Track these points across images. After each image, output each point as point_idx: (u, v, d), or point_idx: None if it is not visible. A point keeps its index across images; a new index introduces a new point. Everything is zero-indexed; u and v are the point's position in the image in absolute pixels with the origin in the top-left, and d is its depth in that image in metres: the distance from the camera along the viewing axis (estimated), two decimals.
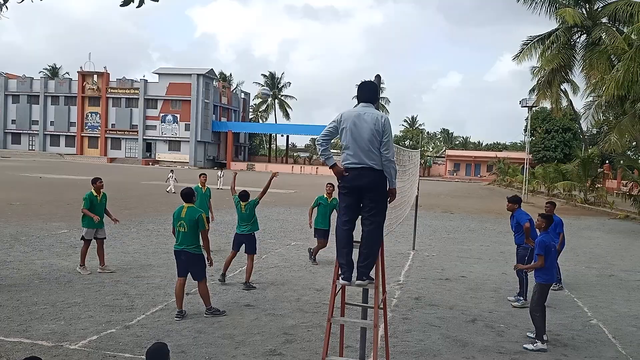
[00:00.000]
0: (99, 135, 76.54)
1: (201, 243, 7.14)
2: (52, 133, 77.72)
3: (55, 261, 9.96)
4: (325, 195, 11.17)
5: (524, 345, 6.52)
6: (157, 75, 75.70)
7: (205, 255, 7.15)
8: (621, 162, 36.56)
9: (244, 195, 8.86)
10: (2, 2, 3.14)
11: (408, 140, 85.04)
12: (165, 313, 7.16)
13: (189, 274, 7.15)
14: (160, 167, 66.67)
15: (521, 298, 8.49)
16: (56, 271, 9.19)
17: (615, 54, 24.06)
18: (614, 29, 26.37)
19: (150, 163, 72.53)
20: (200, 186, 11.45)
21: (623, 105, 21.85)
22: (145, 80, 75.37)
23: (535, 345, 6.47)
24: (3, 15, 3.23)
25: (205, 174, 12.35)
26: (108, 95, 75.82)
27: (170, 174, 29.77)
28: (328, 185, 11.12)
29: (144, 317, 6.99)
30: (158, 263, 10.25)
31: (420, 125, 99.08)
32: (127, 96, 75.60)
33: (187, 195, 7.24)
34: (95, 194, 9.43)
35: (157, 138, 75.50)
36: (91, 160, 71.34)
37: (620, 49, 22.53)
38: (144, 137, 75.40)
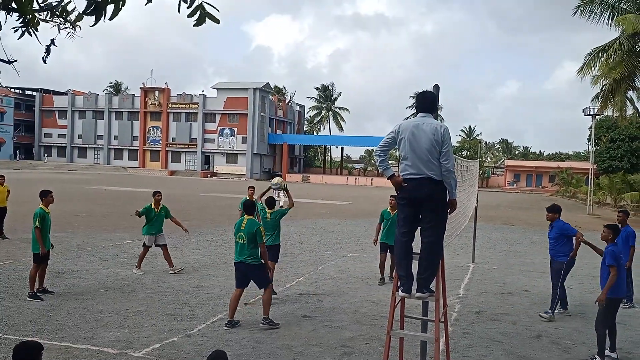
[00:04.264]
0: (160, 149, 79.61)
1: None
2: (115, 147, 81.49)
3: (120, 271, 10.36)
4: (388, 209, 10.42)
5: None
6: (215, 90, 78.06)
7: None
8: None
9: (271, 203, 8.71)
10: (76, 23, 3.33)
11: (465, 150, 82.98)
12: (225, 323, 7.26)
13: (248, 285, 7.29)
14: (218, 179, 68.37)
15: (550, 312, 8.10)
16: (120, 280, 9.55)
17: None
18: None
19: (209, 175, 74.60)
20: (247, 198, 11.49)
21: None
22: (204, 95, 77.84)
23: None
24: (77, 35, 3.41)
25: (253, 187, 12.24)
26: (169, 110, 78.79)
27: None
28: (392, 198, 10.18)
29: (204, 326, 7.12)
30: (217, 273, 10.46)
31: (477, 135, 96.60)
32: (187, 111, 78.32)
33: (249, 207, 7.37)
34: (153, 206, 10.40)
35: (215, 151, 77.66)
36: (152, 173, 74.26)
37: None
38: (203, 150, 77.74)
